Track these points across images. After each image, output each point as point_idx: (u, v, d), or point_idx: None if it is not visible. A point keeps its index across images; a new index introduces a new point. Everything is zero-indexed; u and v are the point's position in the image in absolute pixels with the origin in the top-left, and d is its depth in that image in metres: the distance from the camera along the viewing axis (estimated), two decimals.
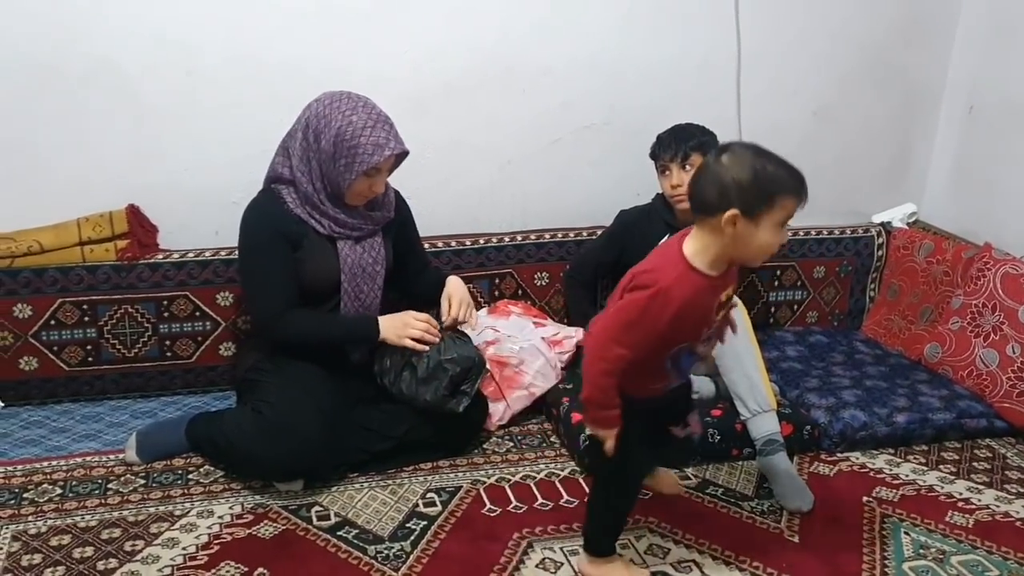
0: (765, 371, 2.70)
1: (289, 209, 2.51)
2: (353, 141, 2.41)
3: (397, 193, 2.74)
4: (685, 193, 2.82)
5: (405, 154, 2.54)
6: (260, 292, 2.54)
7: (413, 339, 2.52)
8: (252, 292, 2.58)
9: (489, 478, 2.60)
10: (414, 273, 2.81)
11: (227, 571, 2.17)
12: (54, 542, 2.25)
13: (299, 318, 2.53)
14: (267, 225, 2.50)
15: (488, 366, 2.72)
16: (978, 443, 2.88)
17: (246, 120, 2.88)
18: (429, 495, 2.50)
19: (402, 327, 2.54)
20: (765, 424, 2.62)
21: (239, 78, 2.90)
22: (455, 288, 2.71)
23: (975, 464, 2.76)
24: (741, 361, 2.67)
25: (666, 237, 2.95)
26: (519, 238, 3.25)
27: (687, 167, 2.83)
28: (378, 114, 2.46)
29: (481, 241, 3.20)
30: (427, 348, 2.53)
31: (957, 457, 2.80)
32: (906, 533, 2.40)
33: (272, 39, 2.89)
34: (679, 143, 2.85)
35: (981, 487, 2.63)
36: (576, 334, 3.05)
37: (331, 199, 2.52)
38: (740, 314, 2.70)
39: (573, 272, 3.20)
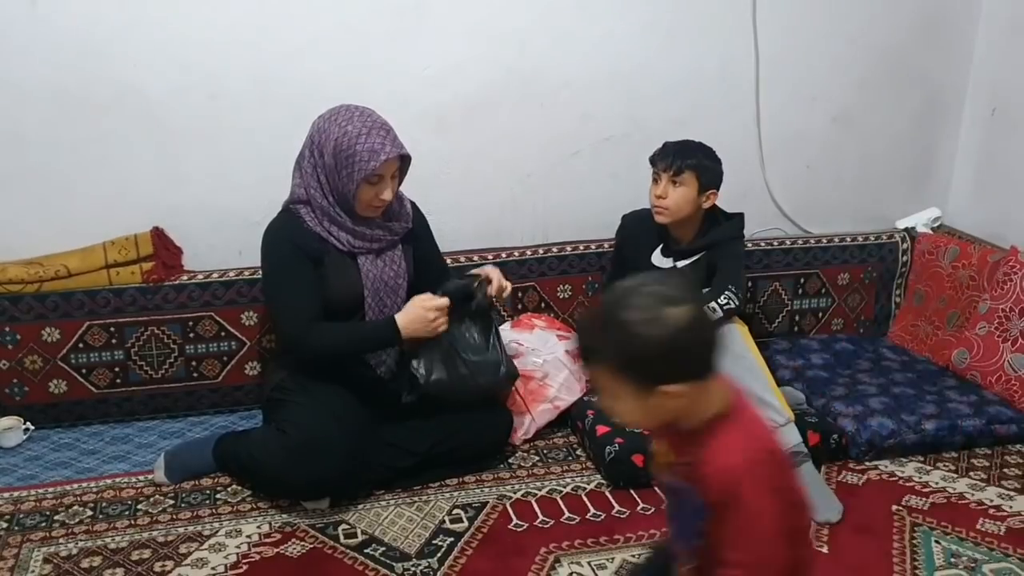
0: (773, 383, 2.68)
1: (308, 228, 2.53)
2: (350, 150, 2.42)
3: (414, 204, 2.75)
4: (665, 207, 2.82)
5: (408, 159, 2.55)
6: (286, 309, 2.54)
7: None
8: (278, 310, 2.59)
9: (515, 493, 2.60)
10: (435, 282, 2.77)
11: None
12: (85, 564, 2.27)
13: (325, 330, 2.53)
14: (288, 243, 2.53)
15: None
16: (1008, 449, 2.85)
17: (268, 142, 2.90)
18: (455, 511, 2.50)
19: (425, 321, 2.53)
20: (786, 436, 2.59)
21: (261, 101, 2.92)
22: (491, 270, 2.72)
23: (1006, 470, 2.73)
24: (747, 382, 2.62)
25: (659, 248, 2.94)
26: (541, 251, 3.25)
27: (676, 183, 2.81)
28: (374, 121, 2.47)
29: (503, 255, 3.20)
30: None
31: (987, 463, 2.77)
32: (937, 542, 2.38)
33: (293, 61, 2.92)
34: (676, 156, 2.80)
35: (1012, 493, 2.61)
36: None
37: (348, 212, 2.54)
38: (736, 333, 2.70)
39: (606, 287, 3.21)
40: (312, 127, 2.53)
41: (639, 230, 3.00)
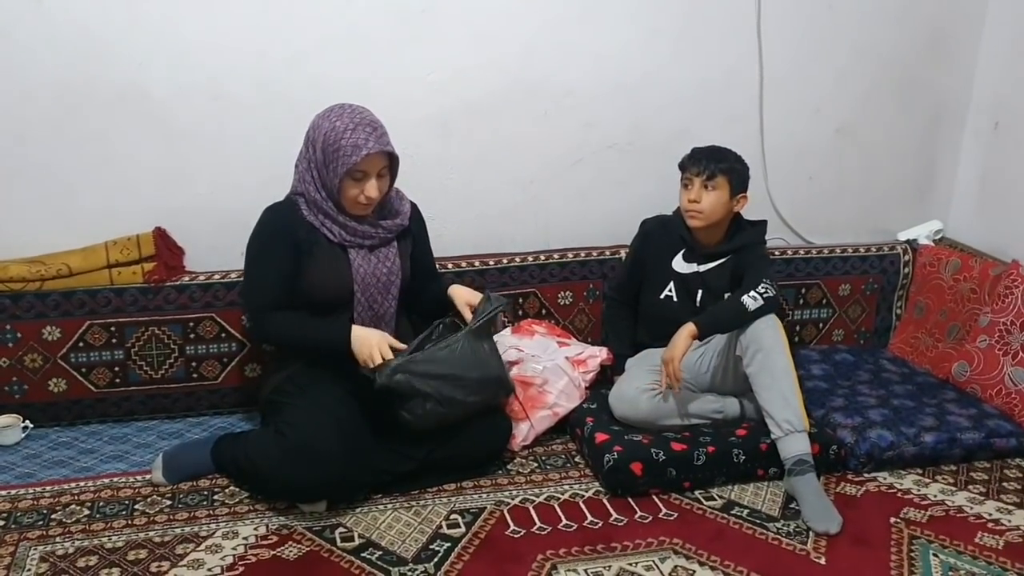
0: (800, 391, 2.67)
1: (303, 216, 2.56)
2: (335, 145, 2.45)
3: (414, 206, 2.76)
4: (700, 210, 2.84)
5: (395, 158, 2.55)
6: (252, 288, 2.60)
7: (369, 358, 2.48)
8: (246, 286, 2.64)
9: (513, 499, 2.60)
10: (419, 289, 2.78)
11: None
12: (81, 563, 2.26)
13: (279, 319, 2.54)
14: (278, 226, 2.56)
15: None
16: (1007, 463, 2.85)
17: (271, 144, 2.91)
18: (453, 516, 2.50)
19: (369, 349, 2.46)
20: (796, 444, 2.60)
21: (264, 103, 2.93)
22: (461, 296, 2.69)
23: (1005, 484, 2.73)
24: (777, 380, 2.64)
25: (682, 253, 2.95)
26: (542, 257, 3.25)
27: (709, 187, 2.83)
28: (362, 117, 2.49)
29: (504, 261, 3.20)
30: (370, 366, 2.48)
31: (986, 477, 2.77)
32: (935, 555, 2.37)
33: (297, 64, 2.93)
34: (710, 161, 2.84)
35: (1011, 507, 2.60)
36: (600, 353, 3.05)
37: (339, 207, 2.56)
38: (778, 331, 2.69)
39: (613, 292, 3.21)
40: (310, 123, 2.55)
41: (662, 235, 3.01)
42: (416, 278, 2.75)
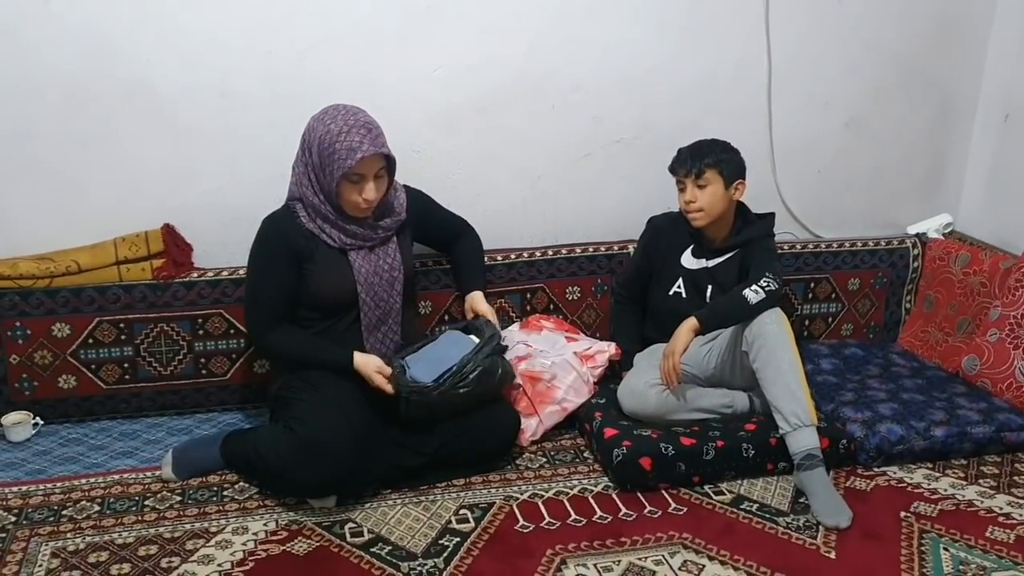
0: (807, 385, 2.67)
1: (302, 224, 2.57)
2: (330, 148, 2.45)
3: (407, 188, 2.77)
4: (698, 208, 2.82)
5: (391, 160, 2.55)
6: (252, 305, 2.64)
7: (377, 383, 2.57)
8: (247, 301, 2.68)
9: (522, 494, 2.60)
10: (451, 242, 2.98)
11: None
12: (92, 559, 2.27)
13: (281, 337, 2.59)
14: (277, 239, 2.57)
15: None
16: (1019, 457, 2.84)
17: (278, 140, 2.90)
18: (462, 511, 2.50)
19: (369, 376, 2.56)
20: (805, 439, 2.59)
21: (271, 99, 2.93)
22: (479, 307, 2.91)
23: (1016, 478, 2.72)
24: (782, 374, 2.63)
25: (690, 249, 2.94)
26: (550, 253, 3.25)
27: (701, 185, 2.82)
28: (356, 119, 2.49)
29: (512, 256, 3.20)
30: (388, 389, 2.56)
31: (997, 471, 2.76)
32: (945, 549, 2.37)
33: (304, 60, 2.93)
34: (694, 159, 2.82)
35: (1022, 501, 2.59)
36: (608, 348, 3.04)
37: (337, 210, 2.56)
38: (783, 326, 2.68)
39: (620, 288, 3.20)
40: (306, 126, 2.56)
41: (671, 231, 3.00)
42: (443, 237, 2.95)
